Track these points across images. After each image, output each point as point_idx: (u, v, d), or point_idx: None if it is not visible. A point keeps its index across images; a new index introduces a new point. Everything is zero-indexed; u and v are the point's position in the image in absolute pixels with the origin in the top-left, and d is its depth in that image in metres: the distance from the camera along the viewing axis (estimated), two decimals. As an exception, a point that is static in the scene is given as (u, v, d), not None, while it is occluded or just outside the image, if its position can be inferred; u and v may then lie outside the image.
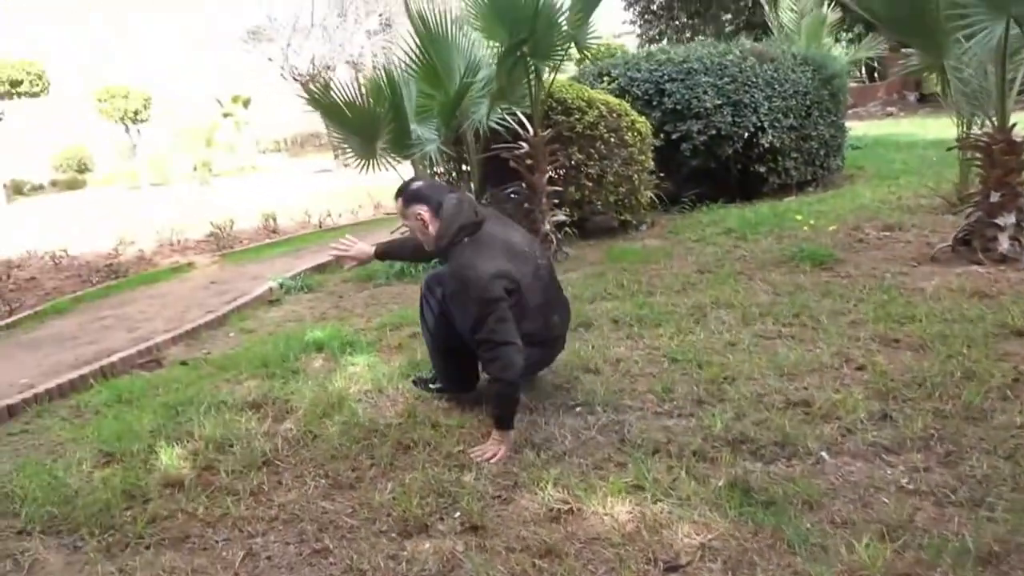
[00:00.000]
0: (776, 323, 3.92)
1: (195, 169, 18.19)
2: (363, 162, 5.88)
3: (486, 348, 2.77)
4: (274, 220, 9.35)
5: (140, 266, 7.75)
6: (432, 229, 2.92)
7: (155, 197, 16.59)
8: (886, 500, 2.28)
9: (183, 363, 4.36)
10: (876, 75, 21.44)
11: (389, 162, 5.87)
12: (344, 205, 10.49)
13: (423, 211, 2.91)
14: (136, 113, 20.91)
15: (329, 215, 9.60)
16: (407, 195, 2.98)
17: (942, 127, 12.10)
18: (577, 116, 6.39)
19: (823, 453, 2.58)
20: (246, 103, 22.09)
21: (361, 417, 3.18)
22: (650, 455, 2.66)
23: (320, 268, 6.61)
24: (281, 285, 5.90)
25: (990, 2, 4.42)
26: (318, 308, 5.34)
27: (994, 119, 4.86)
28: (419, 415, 3.15)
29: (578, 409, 3.10)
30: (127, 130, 21.08)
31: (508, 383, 2.76)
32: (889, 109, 18.88)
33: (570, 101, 6.43)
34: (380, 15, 18.59)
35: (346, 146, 6.06)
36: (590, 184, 6.46)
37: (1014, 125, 4.77)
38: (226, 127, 21.45)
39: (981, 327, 3.55)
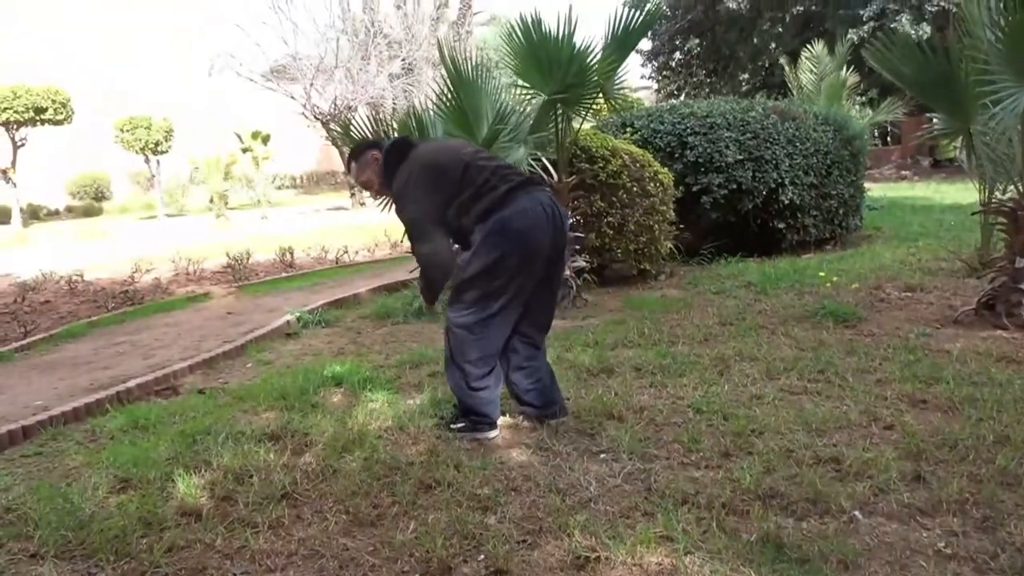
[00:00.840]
0: (801, 378, 3.88)
1: (211, 201, 18.37)
2: (384, 200, 5.94)
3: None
4: (291, 254, 9.40)
5: (156, 294, 7.77)
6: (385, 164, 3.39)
7: (171, 226, 16.73)
8: (924, 564, 2.23)
9: (200, 392, 4.34)
10: (890, 138, 21.66)
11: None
12: (361, 242, 10.56)
13: (375, 153, 3.44)
14: (157, 144, 21.18)
15: (346, 251, 9.65)
16: (358, 149, 3.50)
17: (958, 192, 12.21)
18: (601, 164, 6.45)
19: (856, 512, 2.52)
20: (265, 139, 22.38)
21: (382, 454, 3.14)
22: (679, 505, 2.61)
23: (338, 303, 6.61)
24: (299, 318, 5.90)
25: (1017, 70, 4.49)
26: (336, 343, 5.33)
27: (1019, 185, 4.88)
28: (441, 454, 3.11)
29: (603, 456, 3.06)
30: (147, 160, 21.34)
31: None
32: (903, 172, 19.03)
33: (594, 149, 6.50)
34: (403, 60, 18.90)
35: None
36: (611, 232, 6.50)
37: (1040, 191, 4.79)
38: (244, 162, 21.71)
39: (1011, 392, 3.51)
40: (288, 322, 5.84)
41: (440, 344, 5.01)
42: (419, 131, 5.72)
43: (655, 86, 25.83)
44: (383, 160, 3.38)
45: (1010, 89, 4.51)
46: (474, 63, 5.96)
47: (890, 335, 4.62)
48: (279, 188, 27.04)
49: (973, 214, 6.07)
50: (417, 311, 5.83)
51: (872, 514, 2.52)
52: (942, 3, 15.30)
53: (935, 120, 6.13)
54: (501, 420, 3.38)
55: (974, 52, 4.69)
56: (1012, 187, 5.14)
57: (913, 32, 14.71)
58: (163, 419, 3.82)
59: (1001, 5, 4.50)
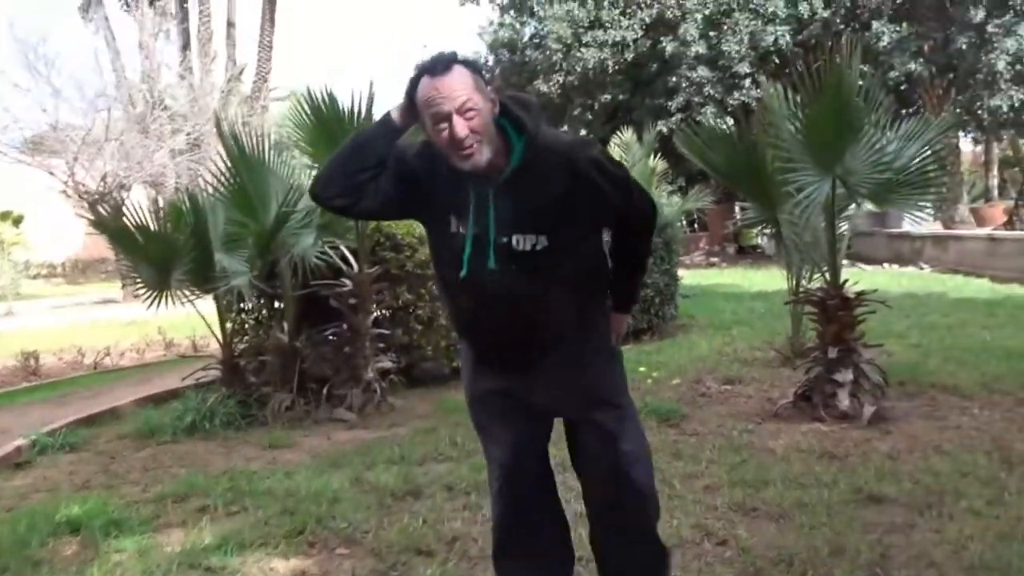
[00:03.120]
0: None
1: (-58, 295, 16.31)
2: (155, 293, 5.47)
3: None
4: (35, 358, 8.33)
5: None
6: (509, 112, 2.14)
7: None
8: None
9: None
10: (697, 225, 23.41)
11: (186, 295, 5.45)
12: (129, 341, 9.62)
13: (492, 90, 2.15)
14: None
15: (107, 354, 8.71)
16: (469, 63, 2.12)
17: (764, 278, 13.20)
18: (408, 253, 6.27)
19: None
20: (17, 221, 20.40)
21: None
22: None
23: (90, 420, 5.84)
24: (34, 443, 5.09)
25: (816, 159, 4.85)
26: (81, 473, 4.62)
27: (826, 274, 5.22)
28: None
29: (407, 606, 2.72)
30: None
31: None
32: (712, 259, 20.52)
33: (400, 237, 6.31)
34: (187, 134, 18.08)
35: (135, 275, 5.63)
36: (420, 327, 6.31)
37: (846, 281, 5.13)
38: (-11, 247, 19.60)
39: (837, 493, 3.59)
40: (19, 448, 5.02)
41: (215, 468, 4.51)
42: (194, 215, 5.30)
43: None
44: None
45: (811, 178, 4.85)
46: (260, 139, 5.66)
47: (714, 433, 4.68)
48: (33, 278, 24.63)
49: (786, 303, 6.45)
50: (189, 427, 5.24)
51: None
52: (742, 98, 16.99)
53: (743, 208, 6.54)
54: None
55: (777, 141, 5.02)
56: (819, 275, 5.51)
57: (716, 124, 16.12)
58: None
59: (799, 98, 4.87)
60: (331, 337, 5.82)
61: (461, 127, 2.00)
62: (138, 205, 5.74)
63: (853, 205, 5.42)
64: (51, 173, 16.74)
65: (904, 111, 17.30)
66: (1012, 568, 2.78)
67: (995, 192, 23.57)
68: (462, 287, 2.18)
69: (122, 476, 4.50)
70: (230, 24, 23.04)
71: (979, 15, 16.16)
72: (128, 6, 24.07)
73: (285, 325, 5.81)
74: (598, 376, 2.32)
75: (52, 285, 25.08)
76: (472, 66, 2.10)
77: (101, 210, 5.51)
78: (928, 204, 5.41)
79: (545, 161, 2.11)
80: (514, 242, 2.11)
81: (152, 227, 5.33)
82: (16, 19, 15.94)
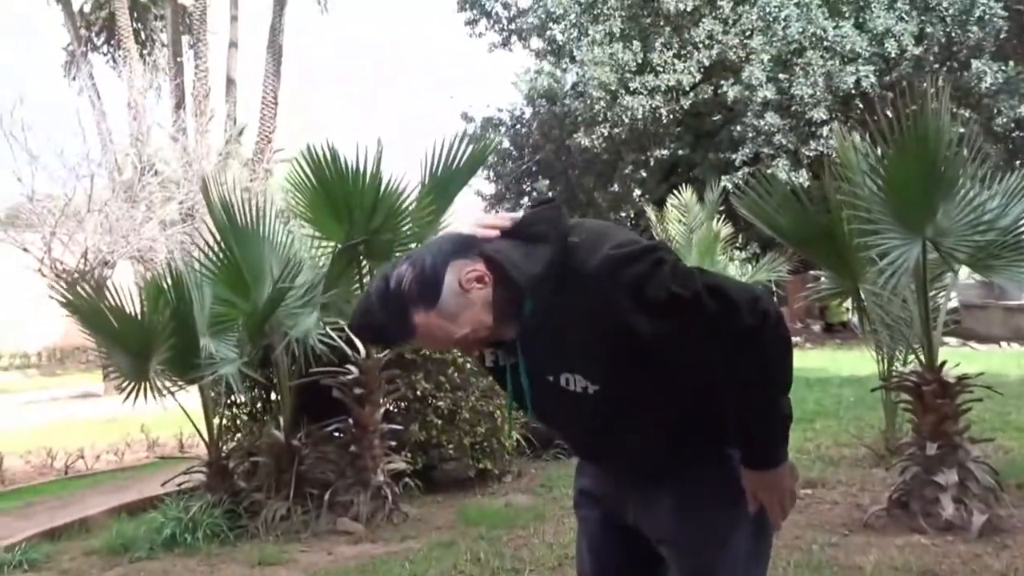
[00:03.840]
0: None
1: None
2: (132, 384, 5.57)
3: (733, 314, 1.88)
4: (-1, 462, 8.47)
5: None
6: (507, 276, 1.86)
7: None
8: None
9: None
10: (776, 299, 23.27)
11: (166, 387, 5.55)
12: (108, 441, 9.74)
13: (472, 268, 1.84)
14: None
15: (81, 456, 8.82)
16: (416, 289, 1.81)
17: (855, 361, 13.02)
18: (424, 334, 6.32)
19: None
20: (-13, 304, 21.03)
21: None
22: None
23: (56, 532, 5.90)
24: (-10, 561, 5.16)
25: (901, 220, 4.81)
26: (39, 597, 4.65)
27: (921, 355, 5.14)
28: None
29: None
30: None
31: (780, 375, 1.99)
32: (795, 339, 20.32)
33: (415, 315, 6.38)
34: (180, 202, 18.59)
35: (110, 364, 5.76)
36: (439, 421, 6.32)
37: (944, 363, 5.05)
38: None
39: (939, 621, 3.47)
40: (-30, 566, 5.08)
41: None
42: (177, 296, 5.43)
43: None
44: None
45: (896, 242, 4.81)
46: (257, 207, 5.83)
47: (790, 547, 4.58)
48: (6, 369, 25.17)
49: (873, 390, 6.38)
50: (168, 540, 5.26)
51: None
52: (820, 148, 17.02)
53: (822, 279, 6.52)
54: None
55: (854, 200, 5.01)
56: (912, 356, 5.43)
57: (790, 179, 16.14)
58: None
59: (879, 151, 4.87)
60: (335, 434, 5.84)
61: (464, 351, 1.93)
62: (119, 285, 5.90)
63: (950, 273, 5.39)
64: (25, 250, 17.22)
65: (1018, 162, 17.22)
66: None
67: None
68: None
69: (86, 600, 4.52)
70: (230, 80, 23.83)
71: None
72: (115, 62, 25.26)
73: (281, 420, 5.85)
74: (695, 516, 2.09)
75: (26, 377, 25.60)
76: (423, 302, 1.81)
77: (80, 291, 5.63)
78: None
79: (566, 301, 1.87)
80: (563, 381, 1.97)
81: (127, 309, 5.44)
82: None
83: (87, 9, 27.25)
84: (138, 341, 5.40)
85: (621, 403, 1.96)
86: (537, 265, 1.84)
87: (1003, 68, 17.05)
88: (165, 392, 5.58)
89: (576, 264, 1.87)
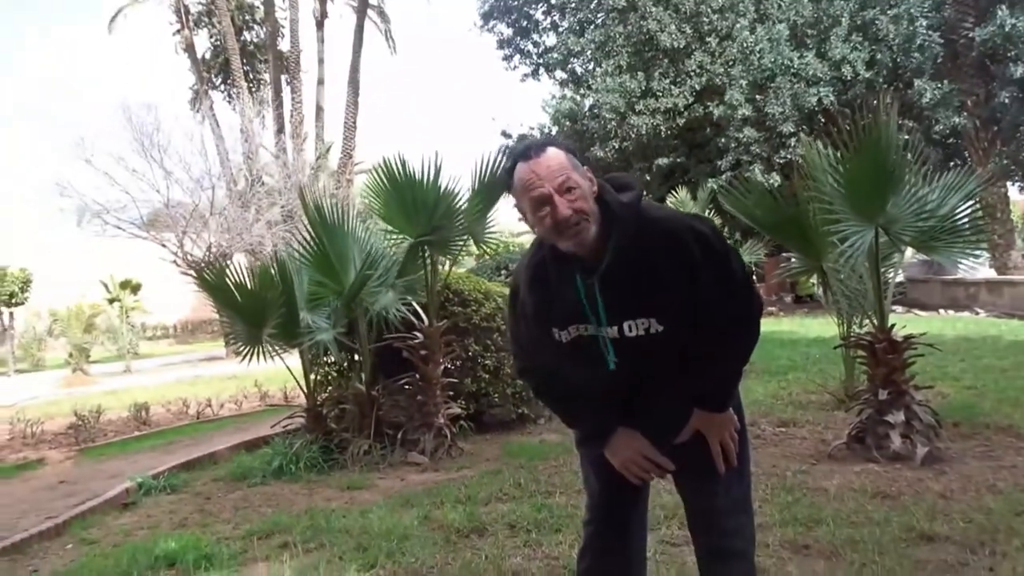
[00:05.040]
0: (682, 527, 3.65)
1: (70, 356, 17.05)
2: (248, 349, 5.63)
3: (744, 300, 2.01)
4: (146, 410, 8.63)
5: (-20, 463, 6.85)
6: (603, 199, 1.92)
7: (20, 383, 15.34)
8: None
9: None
10: (754, 277, 22.97)
11: (275, 350, 5.61)
12: (228, 393, 9.89)
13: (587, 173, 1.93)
14: (12, 296, 19.78)
15: (209, 405, 8.96)
16: (562, 144, 1.93)
17: (821, 326, 12.79)
18: (474, 307, 6.33)
19: None
20: (135, 288, 21.33)
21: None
22: None
23: (190, 464, 5.99)
24: (140, 485, 5.25)
25: (857, 210, 4.72)
26: (179, 512, 4.73)
27: (874, 319, 5.04)
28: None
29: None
30: (-1, 313, 19.85)
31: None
32: (770, 308, 20.01)
33: (467, 293, 6.38)
34: (282, 206, 18.75)
35: (231, 333, 5.82)
36: (487, 376, 6.30)
37: (893, 326, 4.95)
38: (110, 313, 20.49)
39: (889, 531, 3.41)
40: (126, 490, 5.18)
41: (298, 507, 4.56)
42: (282, 279, 5.47)
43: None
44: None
45: (853, 228, 4.72)
46: (342, 208, 5.86)
47: (768, 474, 4.51)
48: (150, 339, 25.64)
49: (835, 347, 6.26)
50: (276, 470, 5.34)
51: None
52: (788, 155, 16.77)
53: (792, 259, 6.40)
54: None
55: (819, 195, 4.92)
56: (867, 321, 5.32)
57: (764, 180, 15.92)
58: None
59: (838, 154, 4.78)
60: (405, 386, 5.86)
61: (563, 206, 1.82)
62: (235, 267, 5.96)
63: (898, 253, 5.27)
64: (163, 245, 17.52)
65: (953, 163, 16.81)
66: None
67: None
68: (585, 381, 2.05)
69: (215, 515, 4.59)
70: (319, 108, 24.17)
71: (1019, 71, 15.70)
72: (230, 97, 25.60)
73: (363, 375, 5.89)
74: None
75: (165, 345, 26.07)
76: (565, 147, 1.91)
77: (206, 275, 5.72)
78: (975, 252, 5.19)
79: (647, 241, 1.89)
80: (626, 328, 1.93)
81: (248, 284, 5.51)
82: (129, 105, 16.57)
83: (208, 56, 27.47)
84: (253, 314, 5.46)
85: (672, 342, 1.95)
86: (624, 200, 1.91)
87: (939, 86, 16.62)
88: (274, 355, 5.66)
89: (652, 217, 1.94)
